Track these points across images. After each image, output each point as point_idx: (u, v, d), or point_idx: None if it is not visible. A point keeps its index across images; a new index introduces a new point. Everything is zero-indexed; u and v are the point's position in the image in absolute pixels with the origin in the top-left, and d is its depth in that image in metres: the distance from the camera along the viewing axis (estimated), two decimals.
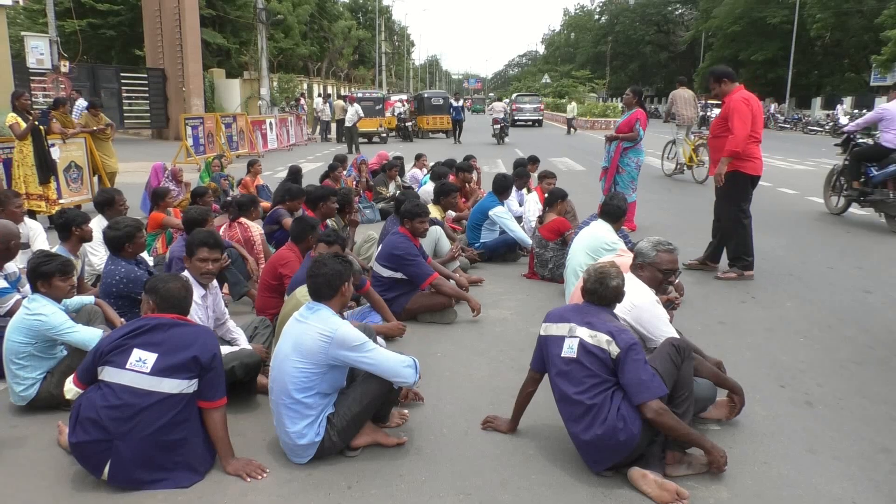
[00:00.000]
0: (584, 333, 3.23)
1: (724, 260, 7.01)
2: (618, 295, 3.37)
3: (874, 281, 6.68)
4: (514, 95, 49.79)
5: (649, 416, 3.05)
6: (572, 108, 35.59)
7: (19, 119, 8.63)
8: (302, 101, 30.86)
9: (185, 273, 4.10)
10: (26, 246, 5.60)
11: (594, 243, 5.43)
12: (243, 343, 4.32)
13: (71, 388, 3.26)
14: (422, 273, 5.44)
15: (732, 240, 6.77)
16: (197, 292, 4.00)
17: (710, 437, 3.61)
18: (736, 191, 6.58)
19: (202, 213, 5.59)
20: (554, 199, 6.91)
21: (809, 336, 5.21)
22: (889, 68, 34.63)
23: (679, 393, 3.18)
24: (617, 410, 3.08)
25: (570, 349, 3.25)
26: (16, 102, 8.81)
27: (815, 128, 34.56)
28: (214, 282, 4.25)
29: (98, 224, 5.69)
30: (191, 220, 5.51)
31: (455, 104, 28.36)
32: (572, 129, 34.33)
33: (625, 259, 4.24)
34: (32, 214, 8.26)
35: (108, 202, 6.02)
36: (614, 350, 3.14)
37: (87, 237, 5.16)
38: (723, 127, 6.53)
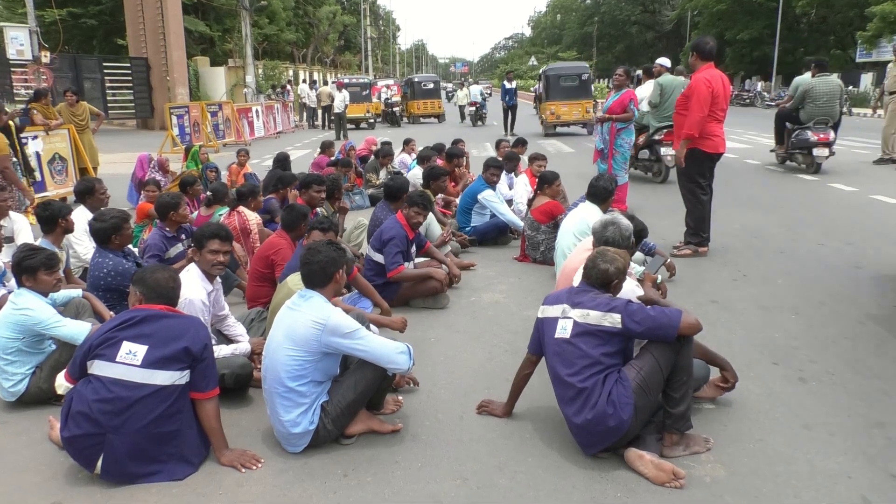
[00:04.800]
0: (576, 314, 3.22)
1: (678, 235, 7.15)
2: (603, 278, 3.32)
3: (864, 257, 6.69)
4: (469, 80, 55.55)
5: (691, 334, 3.17)
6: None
7: None
8: (288, 88, 30.60)
9: (191, 264, 4.06)
10: (10, 240, 5.53)
11: (582, 226, 5.41)
12: (244, 339, 4.27)
13: (62, 384, 3.21)
14: (391, 263, 5.39)
15: (691, 216, 6.88)
16: (204, 289, 3.94)
17: (705, 415, 3.63)
18: (692, 167, 6.65)
19: (175, 198, 5.55)
20: (544, 182, 6.88)
21: (801, 313, 5.22)
22: (874, 44, 34.61)
23: (677, 378, 3.16)
24: (607, 396, 3.06)
25: (563, 330, 3.25)
26: None
27: None
28: (217, 277, 4.19)
29: (81, 214, 5.62)
30: (164, 204, 5.47)
31: (508, 86, 23.46)
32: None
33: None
34: None
35: (88, 191, 5.93)
36: (616, 318, 3.12)
37: (71, 228, 5.09)
38: (686, 105, 6.57)
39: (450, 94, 32.06)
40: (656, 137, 10.72)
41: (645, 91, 10.98)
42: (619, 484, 3.04)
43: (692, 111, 6.35)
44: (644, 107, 10.58)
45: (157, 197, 5.99)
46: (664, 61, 11.22)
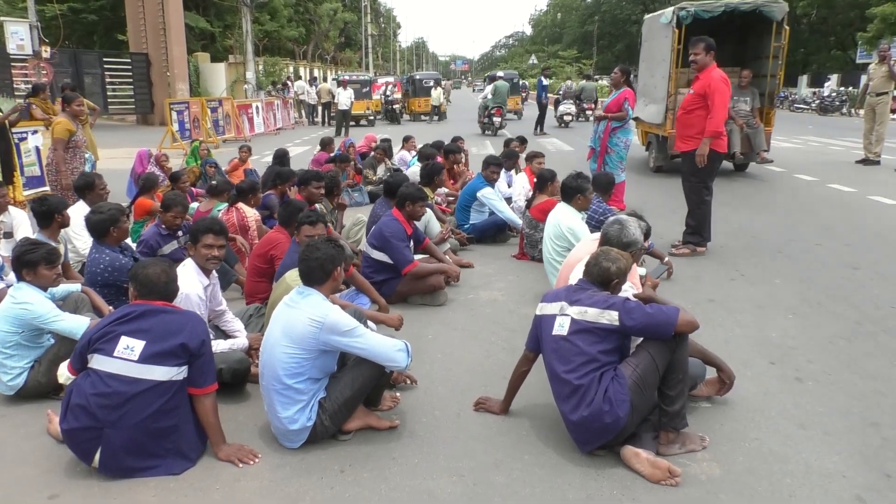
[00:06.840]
0: (574, 311, 3.23)
1: (677, 234, 7.17)
2: (604, 276, 3.33)
3: (862, 257, 6.70)
4: (470, 78, 64.23)
5: (688, 332, 3.17)
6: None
7: None
8: (289, 84, 30.56)
9: (188, 259, 4.06)
10: (10, 235, 5.53)
11: (557, 230, 5.39)
12: (242, 334, 4.28)
13: (64, 373, 3.22)
14: (403, 259, 5.42)
15: (693, 216, 6.88)
16: (200, 284, 3.95)
17: (701, 414, 3.64)
18: (705, 168, 6.61)
19: (178, 197, 5.55)
20: (544, 181, 6.87)
21: (799, 313, 5.23)
22: (875, 45, 34.54)
23: (673, 376, 3.17)
24: (604, 393, 3.07)
25: (560, 327, 3.25)
26: None
27: (801, 105, 34.49)
28: (214, 272, 4.20)
29: (80, 209, 5.61)
30: (169, 200, 5.47)
31: (546, 81, 22.37)
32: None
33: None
34: None
35: (88, 186, 5.92)
36: (613, 316, 3.13)
37: (67, 223, 5.09)
38: (697, 104, 6.53)
39: None
40: (492, 112, 21.13)
41: (487, 89, 21.97)
42: (615, 481, 3.05)
43: (718, 109, 6.34)
44: (489, 96, 21.28)
45: (164, 194, 6.01)
46: (500, 73, 23.06)
